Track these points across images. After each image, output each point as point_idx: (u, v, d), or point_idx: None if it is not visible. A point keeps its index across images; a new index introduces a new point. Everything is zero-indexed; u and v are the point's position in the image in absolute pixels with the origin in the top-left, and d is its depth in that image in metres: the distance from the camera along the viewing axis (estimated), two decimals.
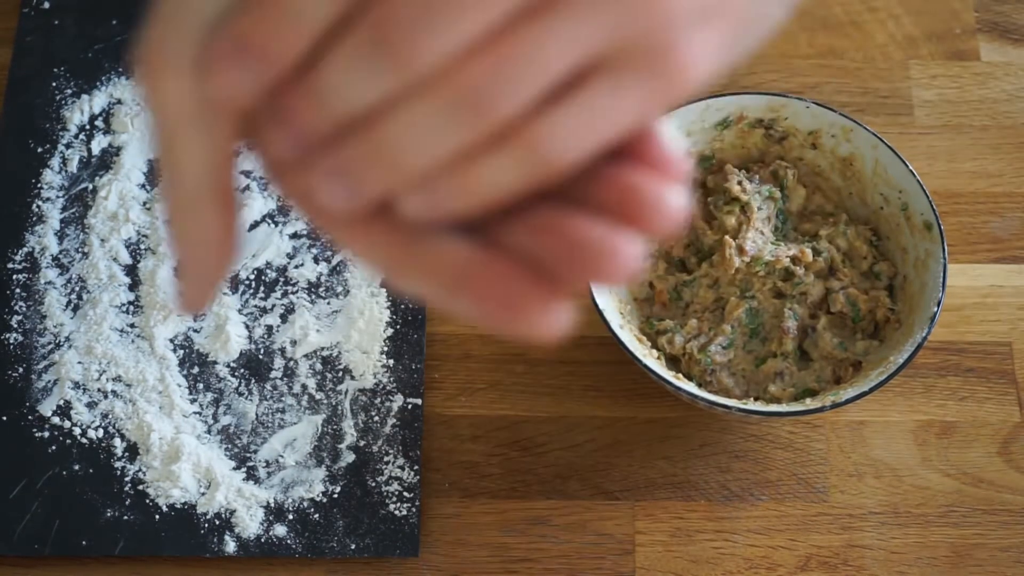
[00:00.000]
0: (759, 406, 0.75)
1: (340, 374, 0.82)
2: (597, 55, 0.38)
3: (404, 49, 0.37)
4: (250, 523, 0.77)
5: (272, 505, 0.78)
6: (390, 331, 0.83)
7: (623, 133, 0.40)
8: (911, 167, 0.79)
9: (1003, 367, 0.84)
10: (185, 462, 0.78)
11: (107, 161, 0.87)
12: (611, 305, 0.78)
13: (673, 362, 0.80)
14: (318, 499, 0.78)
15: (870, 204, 0.83)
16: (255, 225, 0.86)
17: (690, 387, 0.76)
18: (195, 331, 0.82)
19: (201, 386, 0.81)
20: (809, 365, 0.80)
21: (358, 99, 0.38)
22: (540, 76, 0.38)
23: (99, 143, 0.88)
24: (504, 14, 0.37)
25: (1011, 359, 0.84)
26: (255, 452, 0.79)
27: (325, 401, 0.81)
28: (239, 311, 0.83)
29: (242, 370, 0.82)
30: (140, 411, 0.80)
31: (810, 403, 0.75)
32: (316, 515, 0.78)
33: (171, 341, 0.82)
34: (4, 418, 0.80)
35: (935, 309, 0.76)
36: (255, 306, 0.84)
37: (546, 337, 0.40)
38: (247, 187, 0.87)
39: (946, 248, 0.77)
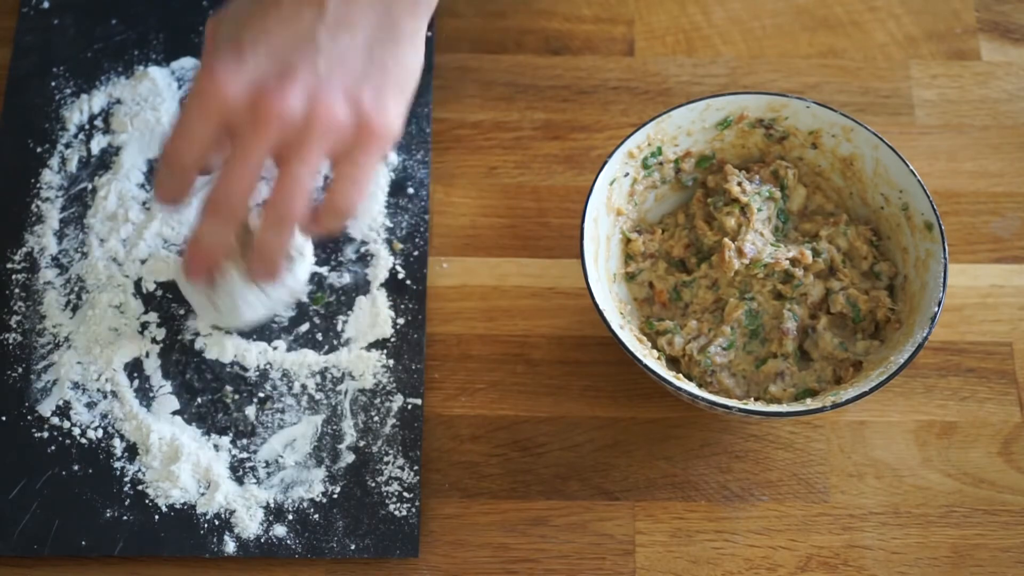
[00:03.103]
0: (760, 406, 0.75)
1: (340, 374, 0.82)
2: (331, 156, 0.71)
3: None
4: (250, 523, 0.77)
5: (272, 505, 0.78)
6: (390, 331, 0.83)
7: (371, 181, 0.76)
8: (912, 167, 0.79)
9: (1004, 367, 0.84)
10: (185, 462, 0.78)
11: (106, 161, 0.87)
12: (611, 305, 0.78)
13: (673, 363, 0.80)
14: (318, 499, 0.78)
15: (871, 204, 0.82)
16: None
17: (691, 387, 0.76)
18: (195, 332, 0.82)
19: (200, 386, 0.81)
20: (809, 365, 0.80)
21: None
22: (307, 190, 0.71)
23: (98, 143, 0.88)
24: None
25: (1012, 359, 0.84)
26: (255, 452, 0.79)
27: (325, 401, 0.81)
28: None
29: (242, 370, 0.81)
30: (139, 411, 0.80)
31: (810, 403, 0.75)
32: (316, 515, 0.78)
33: (171, 341, 0.82)
34: (3, 418, 0.80)
35: (936, 309, 0.75)
36: None
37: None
38: None
39: (947, 248, 0.77)
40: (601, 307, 0.76)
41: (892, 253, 0.82)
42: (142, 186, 0.86)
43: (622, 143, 0.80)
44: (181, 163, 0.73)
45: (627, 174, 0.81)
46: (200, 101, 0.71)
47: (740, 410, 0.74)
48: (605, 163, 0.79)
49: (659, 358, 0.79)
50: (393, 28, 0.73)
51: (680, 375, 0.77)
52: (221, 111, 0.70)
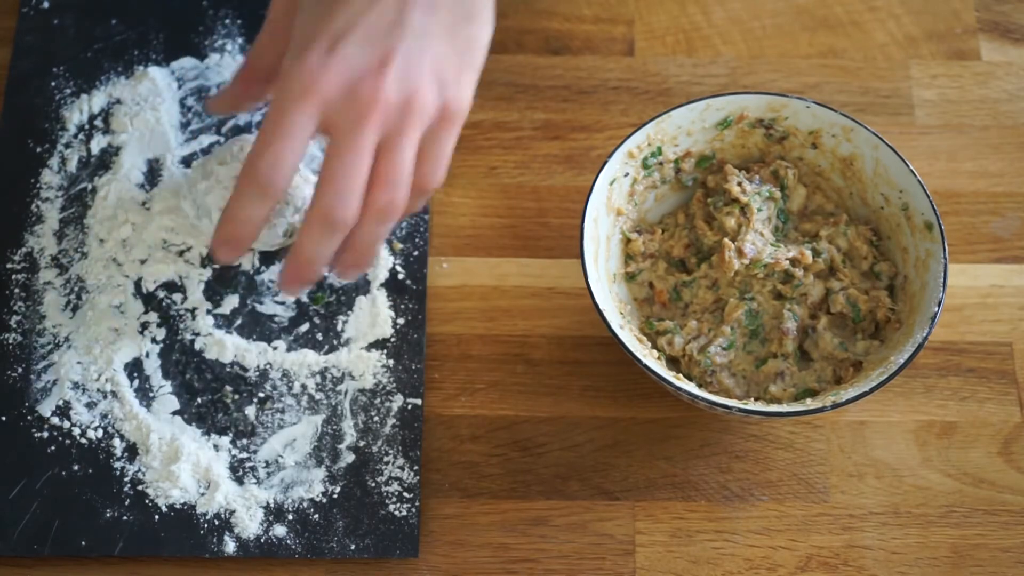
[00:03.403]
0: (760, 406, 0.75)
1: (340, 374, 0.82)
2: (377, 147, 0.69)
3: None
4: (250, 523, 0.77)
5: (272, 505, 0.78)
6: (390, 331, 0.83)
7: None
8: (912, 167, 0.79)
9: (1004, 367, 0.84)
10: (184, 462, 0.78)
11: (106, 161, 0.87)
12: (611, 305, 0.78)
13: (673, 363, 0.80)
14: (318, 499, 0.78)
15: (871, 204, 0.82)
16: None
17: (691, 387, 0.76)
18: (195, 332, 0.82)
19: (200, 386, 0.81)
20: (810, 365, 0.80)
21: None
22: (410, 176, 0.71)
23: (98, 143, 0.88)
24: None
25: (1012, 359, 0.84)
26: (255, 452, 0.79)
27: (325, 401, 0.81)
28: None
29: (242, 370, 0.82)
30: (139, 411, 0.80)
31: (811, 403, 0.75)
32: (316, 515, 0.78)
33: (171, 341, 0.82)
34: (3, 418, 0.80)
35: (936, 309, 0.75)
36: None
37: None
38: None
39: (947, 248, 0.77)
40: (601, 307, 0.76)
41: (892, 253, 0.82)
42: (142, 186, 0.86)
43: (622, 143, 0.80)
44: (281, 172, 0.69)
45: (627, 174, 0.81)
46: (297, 99, 0.68)
47: (740, 410, 0.74)
48: (605, 163, 0.79)
49: (659, 358, 0.79)
50: (468, 4, 0.72)
51: (680, 375, 0.77)
52: (321, 107, 0.68)
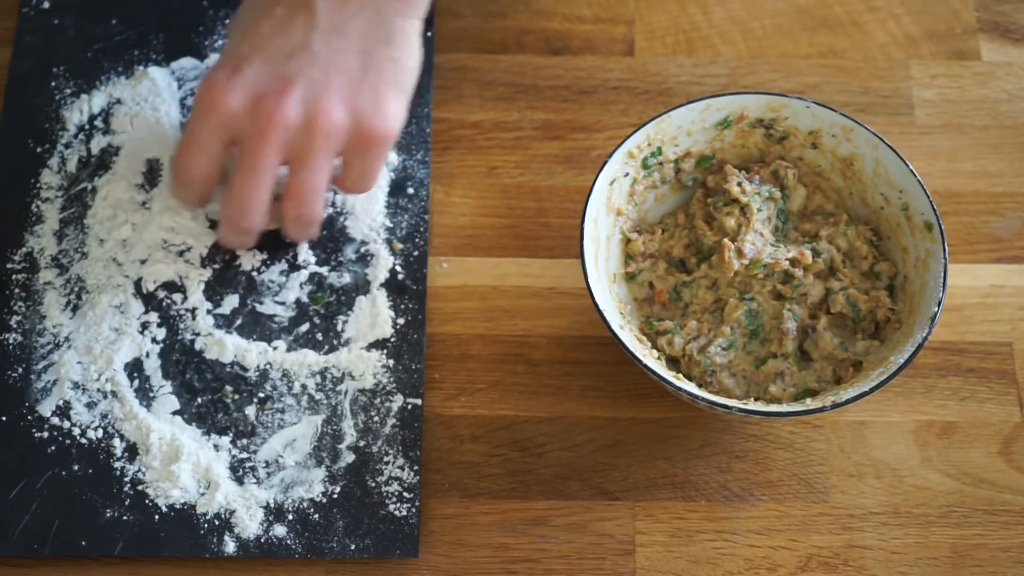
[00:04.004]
0: (759, 406, 0.75)
1: (340, 374, 0.82)
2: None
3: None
4: (250, 523, 0.77)
5: (272, 505, 0.78)
6: (390, 331, 0.83)
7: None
8: (911, 167, 0.79)
9: (1004, 367, 0.84)
10: (184, 462, 0.78)
11: (106, 161, 0.87)
12: (611, 305, 0.78)
13: (673, 363, 0.80)
14: (318, 499, 0.78)
15: (871, 204, 0.82)
16: None
17: (691, 387, 0.76)
18: (195, 332, 0.82)
19: (200, 386, 0.81)
20: (810, 365, 0.80)
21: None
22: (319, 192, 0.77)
23: (98, 143, 0.88)
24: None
25: (1012, 359, 0.84)
26: (255, 452, 0.79)
27: (325, 401, 0.81)
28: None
29: (242, 370, 0.82)
30: (139, 411, 0.80)
31: (810, 403, 0.75)
32: (316, 515, 0.78)
33: (171, 341, 0.82)
34: (3, 418, 0.80)
35: (936, 309, 0.75)
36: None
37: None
38: None
39: (947, 248, 0.77)
40: (601, 307, 0.76)
41: (892, 253, 0.82)
42: (142, 186, 0.86)
43: (622, 143, 0.80)
44: (192, 177, 0.76)
45: (627, 174, 0.81)
46: (203, 115, 0.74)
47: (740, 410, 0.74)
48: (605, 163, 0.79)
49: (659, 358, 0.79)
50: (385, 29, 0.75)
51: (680, 375, 0.77)
52: (224, 123, 0.73)
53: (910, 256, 0.80)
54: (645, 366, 0.74)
